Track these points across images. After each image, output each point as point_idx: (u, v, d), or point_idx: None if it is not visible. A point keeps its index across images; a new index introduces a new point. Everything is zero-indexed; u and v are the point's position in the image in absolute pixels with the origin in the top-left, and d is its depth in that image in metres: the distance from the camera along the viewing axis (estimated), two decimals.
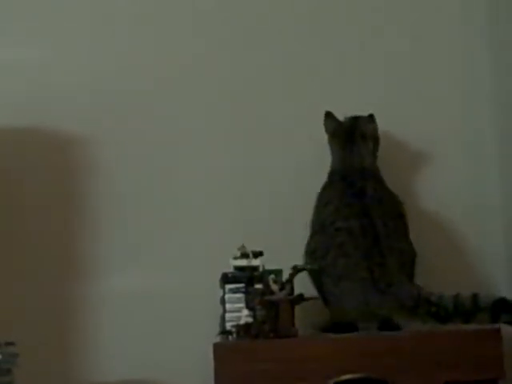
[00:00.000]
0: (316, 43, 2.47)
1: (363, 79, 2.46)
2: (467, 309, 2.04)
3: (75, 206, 2.39)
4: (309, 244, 2.17)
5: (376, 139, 2.28)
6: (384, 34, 2.48)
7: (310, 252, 2.16)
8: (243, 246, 2.11)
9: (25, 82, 2.43)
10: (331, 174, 2.26)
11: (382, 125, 2.28)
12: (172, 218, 2.38)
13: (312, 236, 2.18)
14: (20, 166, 2.40)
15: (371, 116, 2.27)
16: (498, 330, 1.97)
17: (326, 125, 2.30)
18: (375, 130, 2.28)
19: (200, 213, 2.38)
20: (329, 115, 2.29)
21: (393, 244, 2.11)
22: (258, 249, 2.11)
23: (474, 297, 2.05)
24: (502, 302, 2.04)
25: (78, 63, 2.45)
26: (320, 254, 2.13)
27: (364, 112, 2.27)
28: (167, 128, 2.43)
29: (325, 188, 2.23)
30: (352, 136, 2.26)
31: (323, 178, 2.25)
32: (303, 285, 2.14)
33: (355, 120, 2.28)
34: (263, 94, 2.45)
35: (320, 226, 2.17)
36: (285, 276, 2.08)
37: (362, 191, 2.16)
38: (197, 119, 2.43)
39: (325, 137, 2.30)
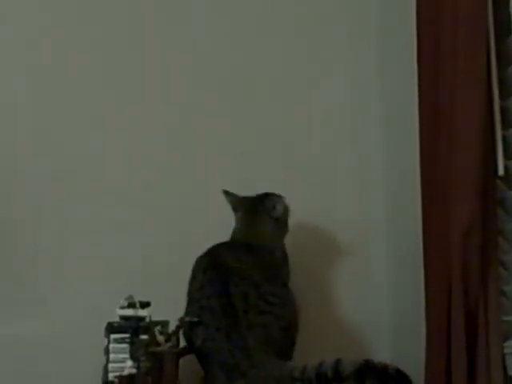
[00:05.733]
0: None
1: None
2: (330, 378, 1.85)
3: None
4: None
5: (285, 220, 2.24)
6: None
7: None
8: (130, 296, 2.09)
9: None
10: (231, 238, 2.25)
11: None
12: (55, 263, 2.36)
13: (186, 306, 2.13)
14: None
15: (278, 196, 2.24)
16: None
17: (227, 200, 2.27)
18: (286, 210, 2.24)
19: (86, 261, 2.36)
20: (226, 193, 2.27)
21: (253, 320, 2.00)
22: (145, 299, 2.09)
23: (337, 363, 1.87)
24: (366, 366, 1.86)
25: None
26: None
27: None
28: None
29: (203, 255, 2.16)
30: (255, 211, 2.23)
31: (213, 230, 2.26)
32: None
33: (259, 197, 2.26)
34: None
35: (189, 298, 2.13)
36: (172, 328, 2.07)
37: (223, 264, 2.09)
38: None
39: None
